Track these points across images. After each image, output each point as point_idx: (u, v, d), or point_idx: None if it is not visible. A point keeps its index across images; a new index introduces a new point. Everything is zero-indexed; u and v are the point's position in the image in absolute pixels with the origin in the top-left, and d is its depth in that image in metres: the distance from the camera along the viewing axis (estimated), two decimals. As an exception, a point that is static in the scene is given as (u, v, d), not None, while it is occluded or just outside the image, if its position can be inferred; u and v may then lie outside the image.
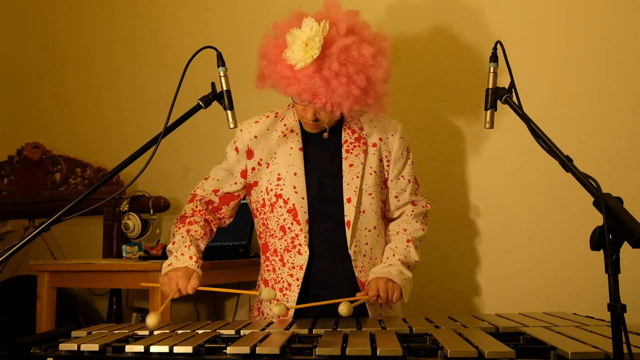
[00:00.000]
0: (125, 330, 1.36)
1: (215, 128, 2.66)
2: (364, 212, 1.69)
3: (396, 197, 1.78)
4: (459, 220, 2.30)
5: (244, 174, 1.75)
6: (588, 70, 2.12)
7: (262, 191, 1.71)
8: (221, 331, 1.31)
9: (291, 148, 1.70)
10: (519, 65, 2.19)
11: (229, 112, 1.48)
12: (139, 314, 2.79)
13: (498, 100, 1.40)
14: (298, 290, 1.65)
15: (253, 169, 1.73)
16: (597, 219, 0.96)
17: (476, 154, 2.29)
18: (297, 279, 1.66)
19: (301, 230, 1.65)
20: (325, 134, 1.69)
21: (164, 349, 1.14)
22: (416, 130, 2.21)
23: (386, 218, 1.83)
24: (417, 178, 1.83)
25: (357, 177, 1.69)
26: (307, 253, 1.65)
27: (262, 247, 1.75)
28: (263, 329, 1.33)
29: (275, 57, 1.54)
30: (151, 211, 2.83)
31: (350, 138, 1.73)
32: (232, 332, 1.30)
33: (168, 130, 1.43)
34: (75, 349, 1.18)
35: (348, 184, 1.68)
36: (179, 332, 1.32)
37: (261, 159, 1.72)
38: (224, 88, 1.48)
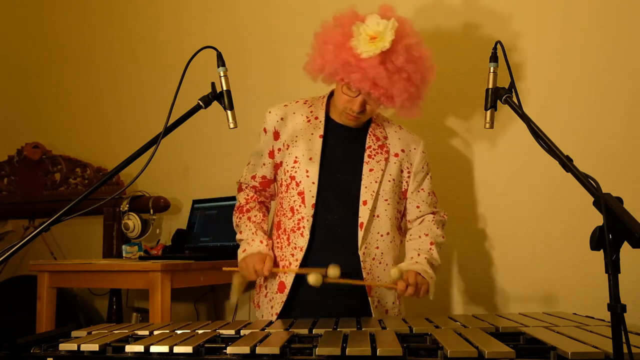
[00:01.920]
0: (125, 330, 1.36)
1: (215, 128, 2.67)
2: (378, 216, 1.73)
3: (418, 207, 1.83)
4: (459, 220, 2.30)
5: (271, 154, 1.81)
6: (586, 70, 2.12)
7: (282, 172, 1.78)
8: (221, 331, 1.30)
9: (312, 134, 1.75)
10: (518, 66, 2.20)
11: (229, 112, 1.48)
12: (139, 314, 2.79)
13: (498, 100, 1.40)
14: (296, 270, 1.69)
15: (279, 149, 1.79)
16: (597, 219, 0.95)
17: (476, 154, 2.29)
18: (297, 260, 1.69)
19: (306, 213, 1.69)
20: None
21: (164, 349, 1.14)
22: (416, 131, 2.20)
23: (401, 230, 1.85)
24: (435, 192, 1.88)
25: (376, 182, 1.73)
26: (308, 237, 1.69)
27: (276, 225, 1.80)
28: (263, 329, 1.33)
29: (341, 44, 1.61)
30: (151, 211, 2.83)
31: (374, 144, 1.78)
32: (232, 332, 1.30)
33: (168, 130, 1.43)
34: (75, 349, 1.18)
35: (366, 187, 1.72)
36: (179, 332, 1.32)
37: (285, 141, 1.78)
38: (224, 88, 1.48)
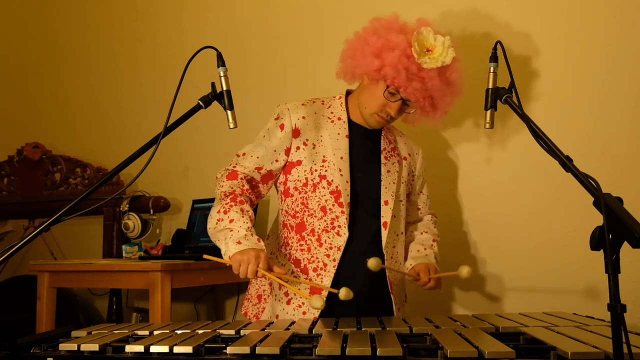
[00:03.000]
0: (125, 330, 1.36)
1: (215, 128, 2.67)
2: (395, 216, 1.77)
3: (419, 209, 1.94)
4: (458, 220, 2.30)
5: (287, 151, 1.75)
6: (588, 70, 2.12)
7: (305, 170, 1.72)
8: (221, 331, 1.31)
9: (338, 134, 1.75)
10: (519, 66, 2.20)
11: (229, 112, 1.48)
12: (139, 314, 2.79)
13: (498, 100, 1.40)
14: (334, 271, 1.67)
15: (297, 148, 1.74)
16: (597, 219, 0.95)
17: (476, 154, 2.29)
18: (334, 260, 1.68)
19: (342, 212, 1.69)
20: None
21: (164, 349, 1.14)
22: (418, 131, 2.20)
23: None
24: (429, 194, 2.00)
25: (393, 183, 1.78)
26: (347, 235, 1.68)
27: (296, 227, 1.73)
28: (263, 329, 1.33)
29: (404, 51, 1.63)
30: (151, 211, 2.83)
31: (388, 147, 1.82)
32: (232, 332, 1.30)
33: (168, 130, 1.43)
34: (75, 349, 1.18)
35: (386, 188, 1.76)
36: (179, 332, 1.32)
37: (307, 139, 1.74)
38: (224, 88, 1.48)
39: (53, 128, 3.38)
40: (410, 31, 1.66)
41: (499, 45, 1.44)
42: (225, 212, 1.63)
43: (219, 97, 1.49)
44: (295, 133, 1.73)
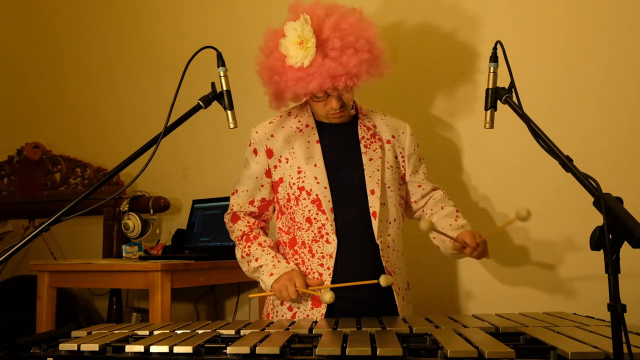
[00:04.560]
0: (125, 330, 1.36)
1: (215, 128, 2.67)
2: (384, 204, 1.74)
3: (420, 186, 1.87)
4: (459, 220, 2.30)
5: (268, 173, 1.78)
6: (588, 71, 2.12)
7: (286, 186, 1.74)
8: (221, 331, 1.31)
9: (308, 142, 1.75)
10: (519, 66, 2.20)
11: (229, 112, 1.48)
12: (139, 314, 2.79)
13: (498, 100, 1.40)
14: (330, 279, 1.67)
15: (275, 166, 1.76)
16: (597, 219, 0.95)
17: (476, 154, 2.29)
18: (328, 268, 1.68)
19: (327, 219, 1.68)
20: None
21: (164, 349, 1.14)
22: (416, 130, 2.21)
23: (410, 210, 1.90)
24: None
25: (377, 170, 1.75)
26: (336, 241, 1.68)
27: (289, 242, 1.75)
28: (263, 329, 1.33)
29: (281, 68, 1.61)
30: (151, 211, 2.83)
31: (366, 134, 1.79)
32: (232, 332, 1.30)
33: (168, 130, 1.43)
34: (75, 349, 1.19)
35: (370, 177, 1.73)
36: (179, 332, 1.32)
37: (281, 156, 1.76)
38: (224, 88, 1.49)
39: (53, 128, 3.38)
40: (278, 40, 1.61)
41: (499, 46, 1.44)
42: (247, 255, 1.74)
43: (219, 97, 1.49)
44: (269, 154, 1.76)
